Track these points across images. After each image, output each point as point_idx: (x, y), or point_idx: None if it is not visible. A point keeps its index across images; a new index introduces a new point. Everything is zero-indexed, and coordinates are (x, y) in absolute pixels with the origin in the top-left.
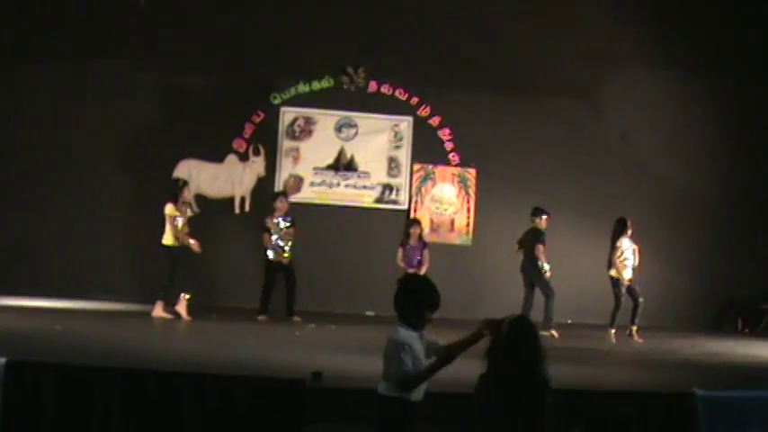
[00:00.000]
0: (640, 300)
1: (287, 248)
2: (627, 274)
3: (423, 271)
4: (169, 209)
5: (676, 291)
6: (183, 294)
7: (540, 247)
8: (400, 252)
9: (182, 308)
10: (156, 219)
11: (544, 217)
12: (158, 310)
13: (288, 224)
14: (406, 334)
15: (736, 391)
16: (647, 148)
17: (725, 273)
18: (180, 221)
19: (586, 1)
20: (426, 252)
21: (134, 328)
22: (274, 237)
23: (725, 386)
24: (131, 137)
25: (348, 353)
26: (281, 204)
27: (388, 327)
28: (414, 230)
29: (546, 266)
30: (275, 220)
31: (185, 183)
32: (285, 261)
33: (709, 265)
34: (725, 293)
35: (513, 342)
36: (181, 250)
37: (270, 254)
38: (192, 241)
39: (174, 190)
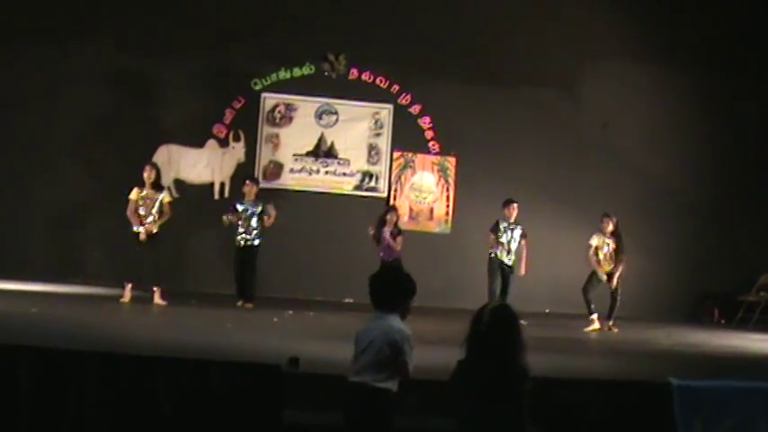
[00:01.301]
0: (617, 303)
1: (246, 234)
2: (602, 267)
3: (398, 249)
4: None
5: (654, 281)
6: (127, 282)
7: (489, 233)
8: (372, 232)
9: (126, 294)
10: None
11: (510, 206)
12: (157, 298)
13: (256, 210)
14: (405, 326)
15: (711, 380)
16: (626, 139)
17: (702, 264)
18: (141, 207)
19: None
20: (399, 238)
21: (111, 313)
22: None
23: (700, 376)
24: (111, 121)
25: (326, 339)
26: (246, 189)
27: (367, 314)
28: (390, 217)
29: (492, 253)
30: (239, 206)
31: (148, 164)
32: (241, 245)
33: (687, 257)
34: (702, 284)
35: (494, 330)
36: (136, 236)
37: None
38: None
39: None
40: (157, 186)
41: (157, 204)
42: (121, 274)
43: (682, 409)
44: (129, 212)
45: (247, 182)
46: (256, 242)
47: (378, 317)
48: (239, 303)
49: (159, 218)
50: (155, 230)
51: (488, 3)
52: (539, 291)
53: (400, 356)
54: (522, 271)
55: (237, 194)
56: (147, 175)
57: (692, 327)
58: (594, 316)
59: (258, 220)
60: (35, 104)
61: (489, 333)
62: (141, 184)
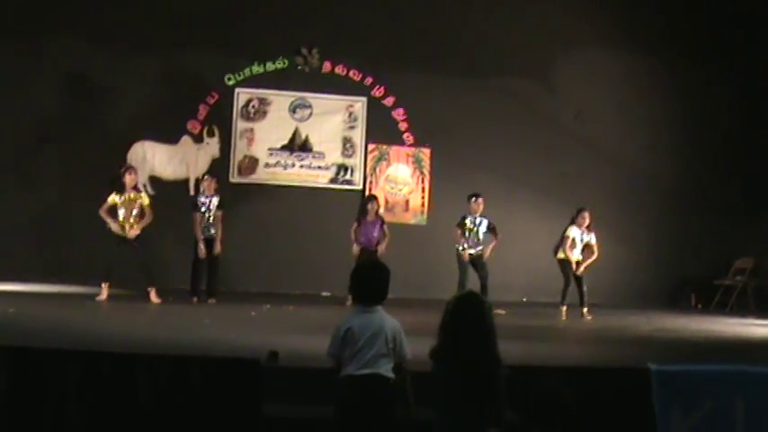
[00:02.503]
0: (584, 285)
1: (207, 230)
2: (573, 256)
3: (383, 247)
4: (147, 198)
5: (631, 268)
6: (104, 283)
7: (455, 229)
8: (354, 227)
9: (103, 293)
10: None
11: (472, 201)
12: (153, 297)
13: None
14: None
15: (689, 365)
16: (601, 128)
17: (679, 250)
18: (121, 210)
19: None
20: (385, 228)
21: (89, 312)
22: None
23: (679, 361)
24: (84, 119)
25: (305, 333)
26: (205, 183)
27: (345, 307)
28: (371, 206)
29: (459, 248)
30: (196, 200)
31: (128, 168)
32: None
33: (664, 243)
34: (679, 270)
35: (460, 318)
36: (122, 239)
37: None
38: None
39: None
40: (136, 189)
41: (137, 207)
42: (99, 273)
43: (660, 395)
44: (103, 212)
45: (206, 177)
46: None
47: (368, 310)
48: (210, 301)
49: (140, 220)
50: (137, 233)
51: None
52: (516, 280)
53: (401, 346)
54: (486, 254)
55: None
56: (131, 179)
57: (670, 312)
58: (564, 307)
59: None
60: (4, 103)
61: (455, 322)
62: (121, 188)
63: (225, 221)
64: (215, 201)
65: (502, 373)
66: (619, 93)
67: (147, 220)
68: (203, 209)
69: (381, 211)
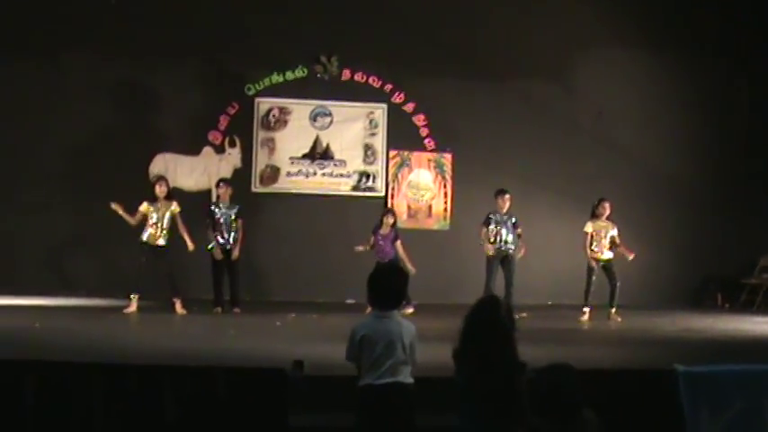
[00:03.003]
0: (617, 283)
1: (224, 239)
2: (603, 255)
3: (407, 261)
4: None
5: (655, 268)
6: (133, 295)
7: (481, 226)
8: (372, 239)
9: (132, 305)
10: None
11: (499, 197)
12: (179, 308)
13: (232, 213)
14: None
15: (717, 365)
16: (622, 127)
17: (703, 248)
18: (153, 219)
19: None
20: (398, 244)
21: (113, 324)
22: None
23: (706, 361)
24: (106, 131)
25: (329, 341)
26: (221, 191)
27: (367, 316)
28: (387, 219)
29: (488, 247)
30: (213, 208)
31: (159, 178)
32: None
33: (688, 242)
34: (704, 269)
35: (472, 320)
36: (149, 249)
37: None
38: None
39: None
40: (168, 198)
41: (168, 216)
42: (126, 285)
43: (688, 396)
44: (135, 222)
45: (221, 184)
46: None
47: (383, 315)
48: (235, 310)
49: (167, 230)
50: (163, 242)
51: None
52: (539, 283)
53: (413, 352)
54: (521, 253)
55: (235, 200)
56: (160, 189)
57: (696, 312)
58: (587, 309)
59: (235, 222)
60: (26, 117)
61: (472, 324)
62: (153, 199)
63: (247, 230)
64: (233, 209)
65: (523, 376)
66: (638, 92)
67: (182, 229)
68: (219, 217)
69: (404, 217)
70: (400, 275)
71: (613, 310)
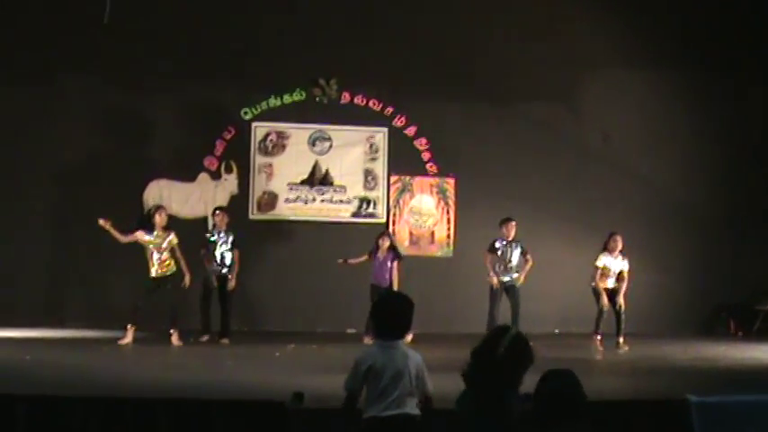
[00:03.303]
0: (623, 315)
1: (220, 266)
2: (607, 284)
3: (396, 288)
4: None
5: (665, 295)
6: (130, 326)
7: (486, 254)
8: (365, 258)
9: (128, 336)
10: (125, 245)
11: (504, 224)
12: (175, 340)
13: (228, 240)
14: None
15: (731, 395)
16: (630, 150)
17: (715, 274)
18: (155, 257)
19: (560, 3)
20: (396, 265)
21: (107, 356)
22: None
23: (719, 391)
24: (99, 157)
25: (330, 372)
26: (217, 219)
27: (365, 345)
28: (382, 242)
29: (492, 276)
30: (210, 237)
31: (158, 207)
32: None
33: (699, 267)
34: (716, 296)
35: (511, 358)
36: (152, 281)
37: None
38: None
39: (148, 217)
40: (167, 228)
41: (166, 246)
42: (120, 315)
43: (701, 427)
44: (126, 241)
45: (217, 212)
46: (228, 276)
47: (389, 345)
48: (205, 338)
49: (170, 260)
50: (168, 273)
51: (479, 19)
52: (547, 311)
53: (425, 383)
54: (521, 280)
55: (232, 227)
56: (160, 218)
57: (708, 340)
58: (598, 337)
59: (231, 251)
60: (19, 141)
61: (506, 361)
62: (151, 228)
63: (244, 259)
64: (229, 238)
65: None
66: (648, 114)
67: (180, 261)
68: (215, 245)
69: (406, 244)
70: (407, 304)
71: (621, 339)
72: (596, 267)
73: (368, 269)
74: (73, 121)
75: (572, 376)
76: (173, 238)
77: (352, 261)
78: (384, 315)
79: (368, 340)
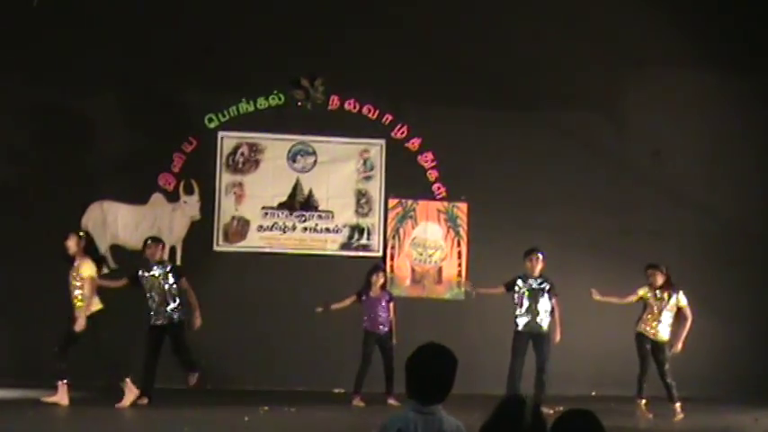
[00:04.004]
0: (668, 375)
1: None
2: (650, 329)
3: (394, 336)
4: (90, 269)
5: (731, 350)
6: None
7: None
8: (353, 299)
9: (61, 394)
10: (58, 279)
11: (530, 258)
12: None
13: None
14: None
15: None
16: (684, 170)
17: None
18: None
19: None
20: (392, 306)
21: (35, 422)
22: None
23: None
24: (26, 172)
25: None
26: (149, 252)
27: (368, 407)
28: (375, 278)
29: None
30: (141, 273)
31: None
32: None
33: None
34: None
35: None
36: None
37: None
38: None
39: (89, 243)
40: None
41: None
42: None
43: None
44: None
45: (148, 242)
46: (176, 316)
47: (426, 411)
48: (144, 401)
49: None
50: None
51: (500, 10)
52: (581, 369)
53: None
54: (557, 337)
55: (193, 262)
56: (151, 252)
57: None
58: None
59: (178, 282)
60: None
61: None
62: (145, 262)
63: (208, 299)
64: (165, 268)
65: None
66: (706, 125)
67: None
68: (148, 283)
69: (407, 283)
70: (451, 360)
71: (677, 405)
72: (635, 293)
73: (360, 316)
74: None
75: (593, 416)
76: (85, 269)
77: (335, 306)
78: (424, 372)
79: (357, 402)
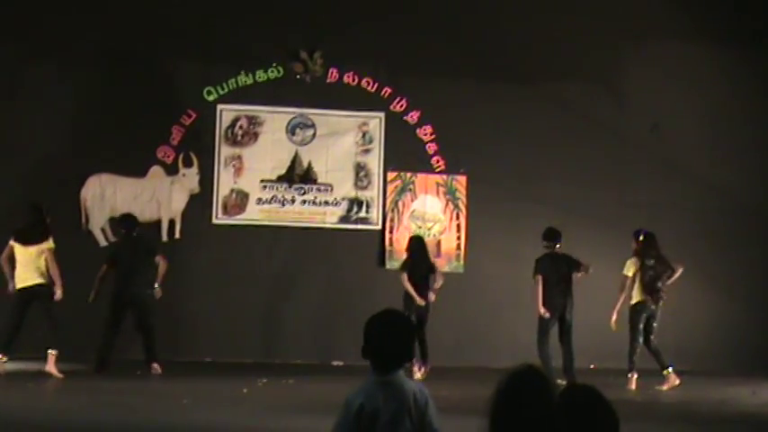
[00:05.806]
0: (652, 338)
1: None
2: (638, 297)
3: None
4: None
5: (730, 324)
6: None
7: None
8: (405, 277)
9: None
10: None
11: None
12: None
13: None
14: None
15: None
16: (683, 143)
17: None
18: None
19: None
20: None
21: (31, 393)
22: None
23: None
24: (20, 146)
25: (308, 413)
26: None
27: (361, 379)
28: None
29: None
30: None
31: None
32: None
33: None
34: None
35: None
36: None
37: None
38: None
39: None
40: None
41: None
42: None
43: None
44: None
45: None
46: (147, 290)
47: (387, 379)
48: (154, 366)
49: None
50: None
51: None
52: (580, 342)
53: (431, 420)
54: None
55: (192, 235)
56: None
57: None
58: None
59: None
60: None
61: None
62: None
63: (206, 272)
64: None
65: None
66: (706, 98)
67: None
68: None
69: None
70: (404, 325)
71: (669, 369)
72: (624, 277)
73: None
74: None
75: (594, 390)
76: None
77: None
78: (379, 342)
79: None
